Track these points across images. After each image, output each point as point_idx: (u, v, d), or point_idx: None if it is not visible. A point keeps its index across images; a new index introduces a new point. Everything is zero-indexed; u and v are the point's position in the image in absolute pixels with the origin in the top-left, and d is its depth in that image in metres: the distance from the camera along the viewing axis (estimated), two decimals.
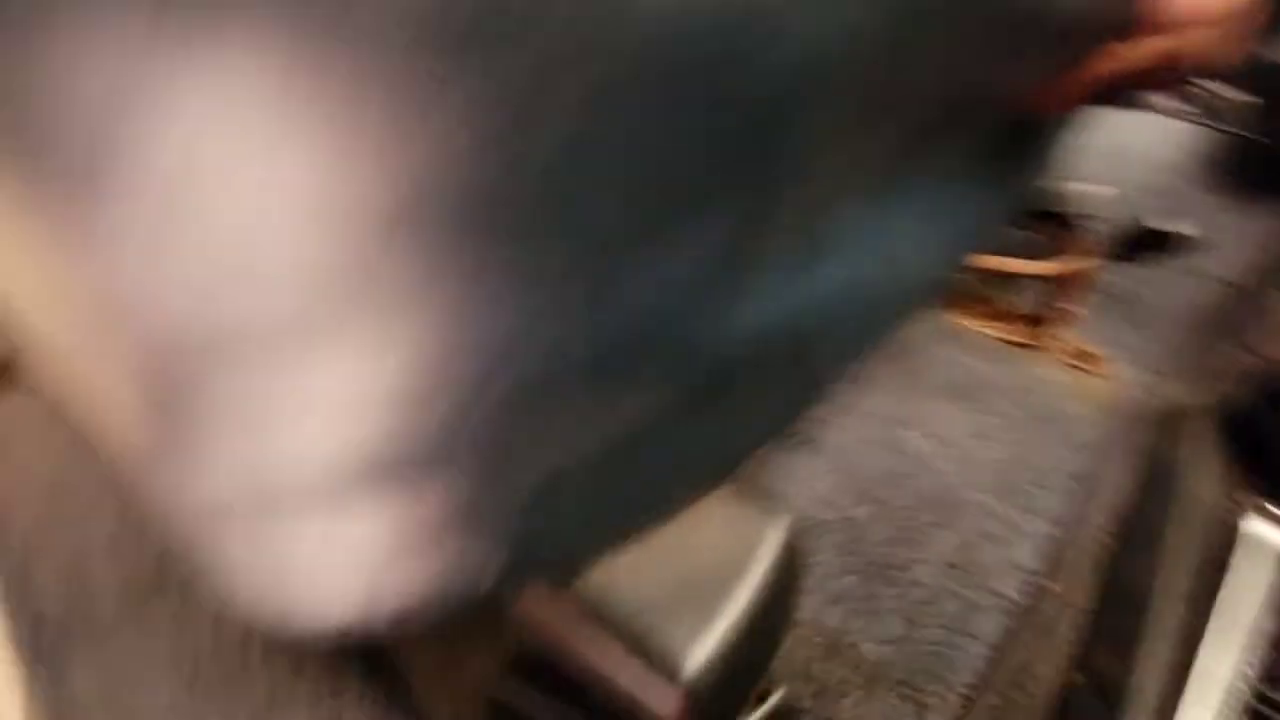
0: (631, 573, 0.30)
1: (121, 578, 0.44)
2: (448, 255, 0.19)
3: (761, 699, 0.32)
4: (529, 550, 0.26)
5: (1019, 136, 0.52)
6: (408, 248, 0.19)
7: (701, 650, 0.27)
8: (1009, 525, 0.54)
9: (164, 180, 0.17)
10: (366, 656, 0.43)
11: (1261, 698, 0.41)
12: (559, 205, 0.20)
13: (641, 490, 0.28)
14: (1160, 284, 0.76)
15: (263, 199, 0.17)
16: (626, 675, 0.28)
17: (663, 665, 0.27)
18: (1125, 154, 0.83)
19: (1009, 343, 0.75)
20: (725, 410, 0.30)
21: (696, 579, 0.29)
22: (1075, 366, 0.71)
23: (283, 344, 0.21)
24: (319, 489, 0.23)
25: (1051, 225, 0.71)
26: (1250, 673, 0.41)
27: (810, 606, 0.50)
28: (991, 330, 0.78)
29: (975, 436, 0.62)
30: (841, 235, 0.30)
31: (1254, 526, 0.49)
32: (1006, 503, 0.56)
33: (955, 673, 0.45)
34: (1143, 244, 0.64)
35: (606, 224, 0.21)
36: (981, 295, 0.83)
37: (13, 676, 0.38)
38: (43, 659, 0.39)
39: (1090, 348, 0.72)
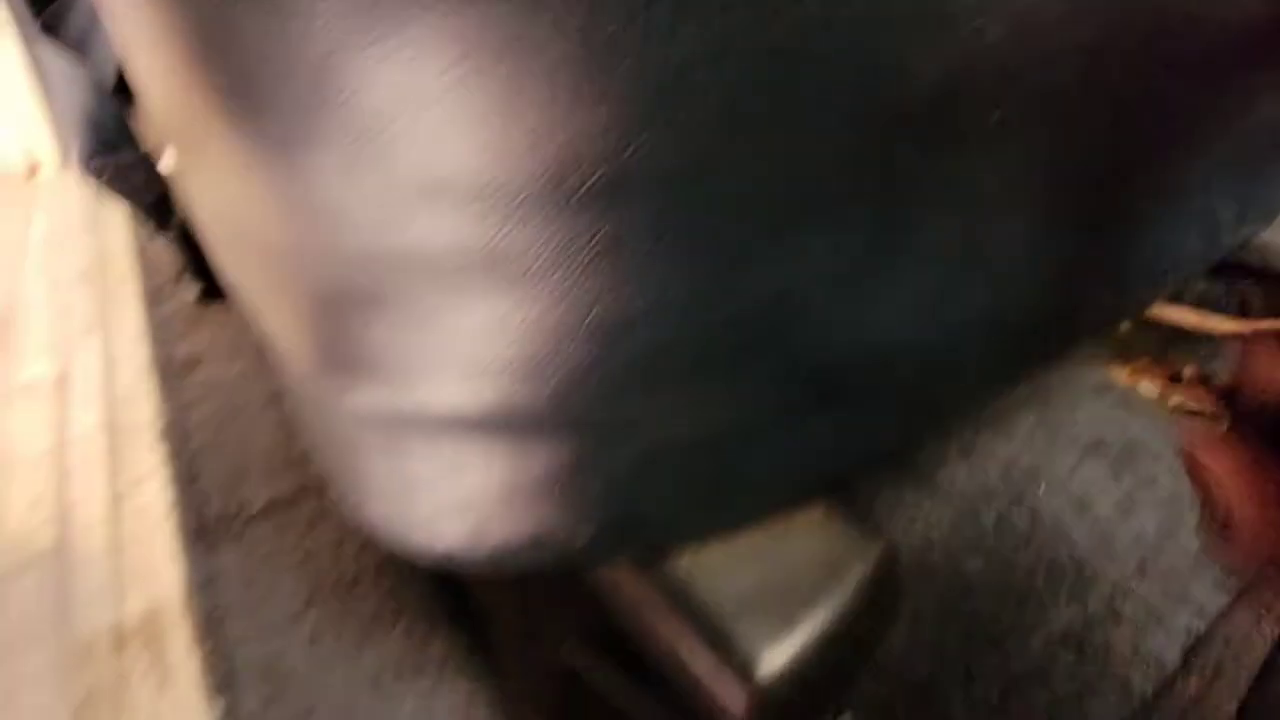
0: (719, 567, 0.30)
1: (268, 489, 0.50)
2: (592, 225, 0.20)
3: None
4: (621, 522, 0.27)
5: (1251, 159, 0.46)
6: (556, 212, 0.20)
7: (778, 655, 0.27)
8: (1146, 609, 0.48)
9: (365, 121, 0.19)
10: (457, 598, 0.46)
11: None
12: (707, 184, 0.21)
13: (735, 484, 0.28)
14: None
15: (440, 142, 0.19)
16: (700, 665, 0.28)
17: (737, 662, 0.27)
18: None
19: (1178, 409, 0.66)
20: (831, 418, 0.29)
21: (783, 585, 0.29)
22: None
23: (439, 277, 0.23)
24: (443, 431, 0.26)
25: (1250, 282, 0.62)
26: None
27: (900, 652, 0.47)
28: (1158, 391, 0.69)
29: (1119, 504, 0.56)
30: (987, 253, 0.28)
31: None
32: (1147, 584, 0.50)
33: None
34: None
35: (751, 209, 0.21)
36: (1155, 353, 0.74)
37: (176, 551, 0.45)
38: (201, 540, 0.45)
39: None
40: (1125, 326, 0.79)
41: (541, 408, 0.23)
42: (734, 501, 0.29)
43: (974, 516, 0.55)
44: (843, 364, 0.27)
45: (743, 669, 0.27)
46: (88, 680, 0.37)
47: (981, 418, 0.65)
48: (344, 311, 0.24)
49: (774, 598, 0.29)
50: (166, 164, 0.70)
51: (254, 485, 0.50)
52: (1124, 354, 0.75)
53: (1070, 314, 0.38)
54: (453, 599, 0.45)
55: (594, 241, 0.20)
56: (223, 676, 0.38)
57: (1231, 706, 0.42)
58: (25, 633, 0.47)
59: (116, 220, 0.90)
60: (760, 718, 0.27)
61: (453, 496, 0.27)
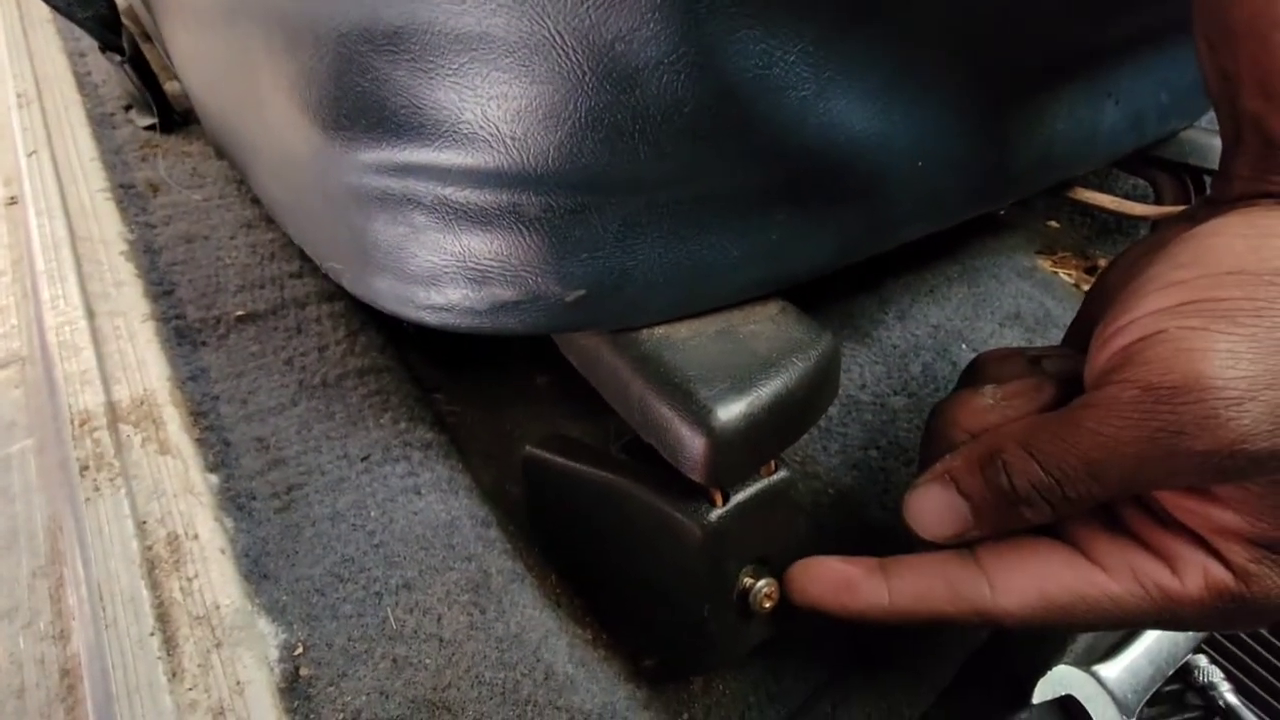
0: (685, 341, 0.34)
1: (247, 301, 0.51)
2: None
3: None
4: (608, 284, 0.31)
5: (1176, 60, 0.50)
6: None
7: (733, 409, 0.31)
8: None
9: None
10: (433, 404, 0.49)
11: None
12: None
13: (710, 256, 0.32)
14: None
15: None
16: (666, 416, 0.32)
17: (699, 413, 0.31)
18: None
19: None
20: (796, 210, 0.33)
21: (741, 358, 0.33)
22: None
23: (453, 44, 0.25)
24: (451, 184, 0.28)
25: (1164, 175, 0.69)
26: None
27: (829, 466, 0.54)
28: (1072, 278, 0.77)
29: None
30: (922, 75, 0.32)
31: None
32: None
33: None
34: None
35: None
36: (1071, 243, 0.82)
37: (159, 351, 0.46)
38: (184, 341, 0.47)
39: None
40: (1053, 224, 0.86)
41: (550, 157, 0.26)
42: (705, 278, 0.33)
43: (903, 366, 0.62)
44: (807, 153, 0.30)
45: (703, 419, 0.31)
46: (87, 448, 0.39)
47: (919, 290, 0.71)
48: (367, 51, 0.26)
49: (732, 366, 0.33)
50: None
51: (231, 298, 0.51)
52: (1050, 246, 0.82)
53: (998, 162, 0.43)
54: (433, 405, 0.49)
55: None
56: (218, 451, 0.40)
57: None
58: (13, 419, 0.48)
59: (50, 48, 0.84)
60: (715, 458, 0.32)
61: (455, 251, 0.30)
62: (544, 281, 0.30)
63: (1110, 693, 0.38)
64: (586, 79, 0.25)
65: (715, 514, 0.34)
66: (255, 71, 0.36)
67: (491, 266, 0.30)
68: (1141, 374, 0.22)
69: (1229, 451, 0.20)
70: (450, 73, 0.25)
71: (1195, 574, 0.24)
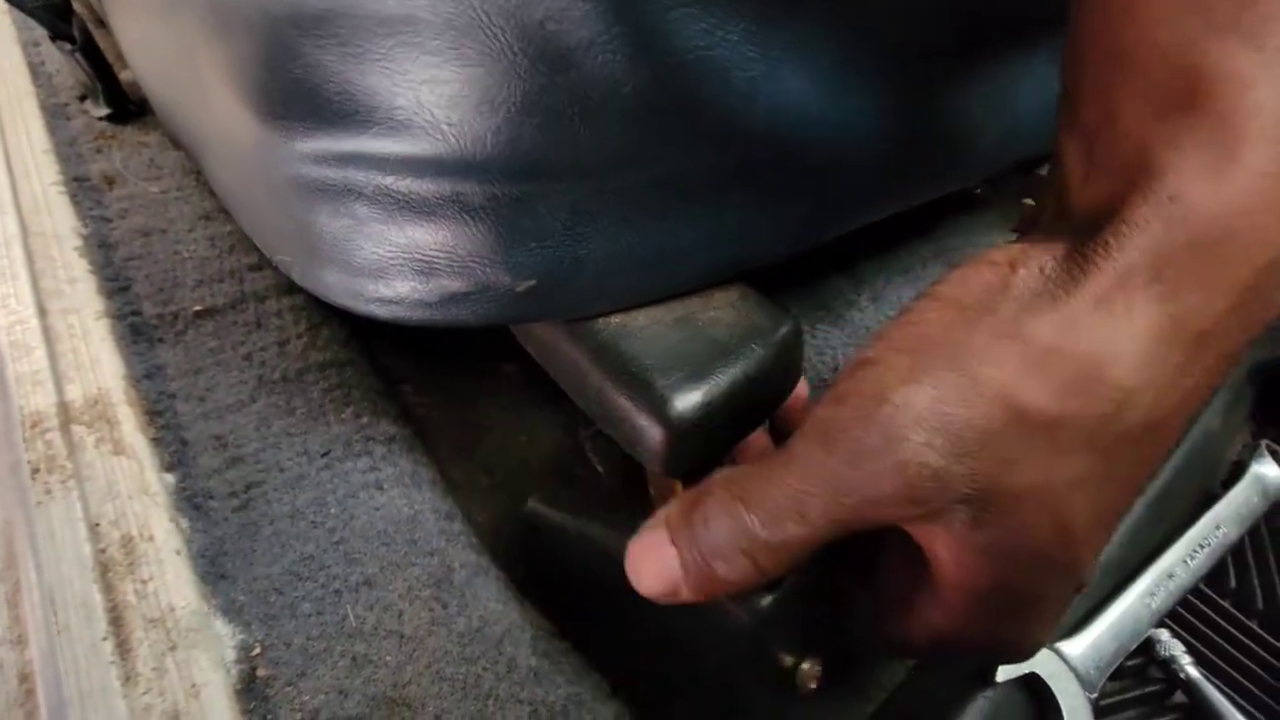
0: (643, 329, 0.33)
1: (205, 296, 0.50)
2: None
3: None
4: (558, 274, 0.30)
5: None
6: None
7: (691, 399, 0.31)
8: None
9: None
10: (397, 397, 0.49)
11: (1199, 593, 0.44)
12: None
13: (663, 246, 0.31)
14: None
15: None
16: (624, 408, 0.32)
17: (656, 404, 0.31)
18: None
19: None
20: (751, 192, 0.32)
21: (700, 345, 0.33)
22: None
23: (380, 27, 0.24)
24: (391, 174, 0.27)
25: None
26: (1195, 567, 0.43)
27: None
28: None
29: None
30: (869, 55, 0.31)
31: (1264, 467, 0.50)
32: None
33: None
34: None
35: None
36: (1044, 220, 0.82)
37: (114, 349, 0.45)
38: (139, 338, 0.46)
39: None
40: (1027, 202, 0.86)
41: (489, 143, 0.25)
42: (659, 264, 0.32)
43: None
44: (759, 134, 0.30)
45: (660, 409, 0.31)
46: (39, 450, 0.38)
47: (893, 270, 0.71)
48: (296, 36, 0.25)
49: (690, 355, 0.33)
50: None
51: (189, 293, 0.50)
52: (1023, 225, 0.82)
53: (962, 138, 0.42)
54: (398, 398, 0.48)
55: None
56: (174, 451, 0.40)
57: None
58: None
59: (3, 37, 0.81)
60: (673, 448, 0.31)
61: (400, 243, 0.29)
62: (493, 272, 0.29)
63: (1073, 669, 0.38)
64: (518, 61, 0.24)
65: (766, 600, 0.32)
66: (196, 60, 0.34)
67: (438, 258, 0.29)
68: (843, 389, 0.22)
69: (915, 468, 0.20)
70: (379, 57, 0.24)
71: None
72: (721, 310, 0.35)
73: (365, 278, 0.31)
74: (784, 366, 0.35)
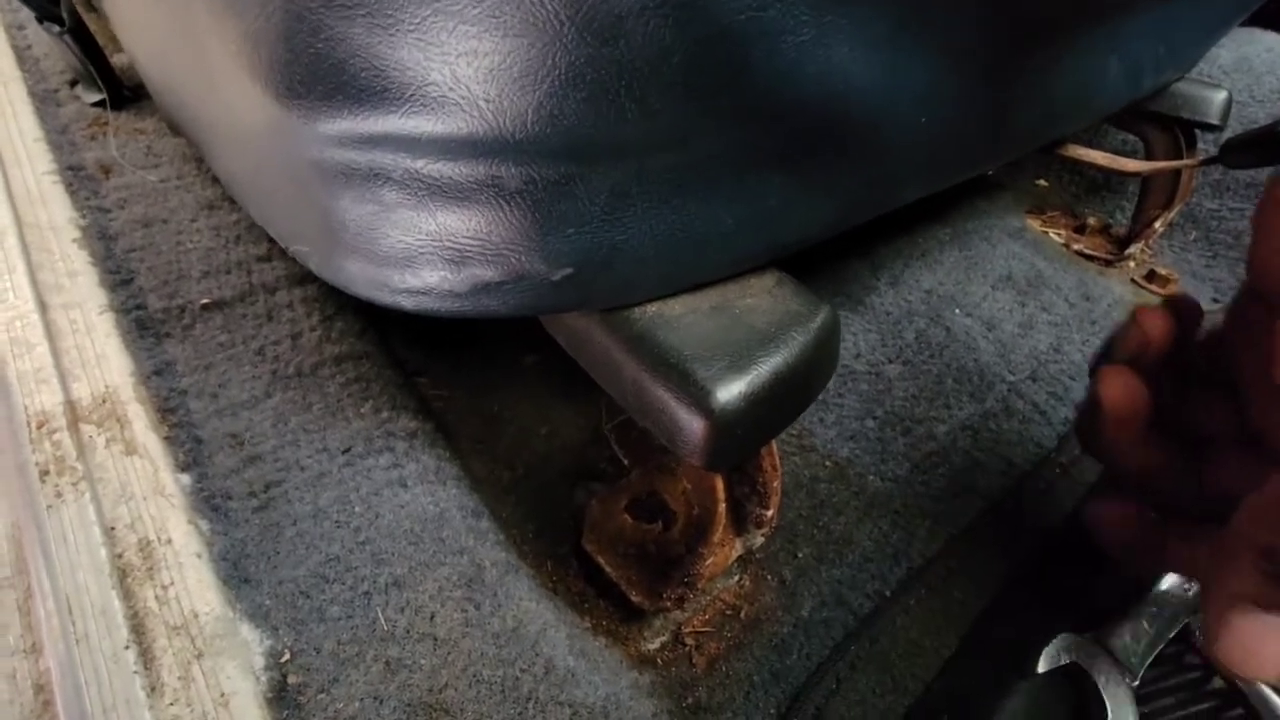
0: (680, 318, 0.32)
1: (213, 288, 0.48)
2: None
3: None
4: (595, 261, 0.29)
5: (1169, 14, 0.48)
6: None
7: (732, 389, 0.30)
8: (1034, 406, 0.56)
9: None
10: (416, 390, 0.47)
11: None
12: None
13: (703, 227, 0.30)
14: (1249, 212, 0.72)
15: None
16: (663, 399, 0.31)
17: (697, 395, 0.30)
18: (1250, 67, 0.77)
19: (1078, 253, 0.73)
20: (800, 172, 0.31)
21: (739, 334, 0.32)
22: (1143, 286, 0.70)
23: (404, 5, 0.22)
24: (422, 156, 0.26)
25: (1155, 129, 0.67)
26: None
27: (825, 438, 0.53)
28: (1062, 237, 0.76)
29: (1021, 326, 0.62)
30: (924, 30, 0.30)
31: None
32: (1036, 387, 0.57)
33: (947, 516, 0.48)
34: (1254, 149, 0.60)
35: None
36: (1060, 201, 0.81)
37: (120, 345, 0.43)
38: (146, 333, 0.44)
39: (1161, 269, 0.70)
40: (1042, 183, 0.85)
41: (529, 121, 0.24)
42: (698, 250, 0.31)
43: (896, 332, 0.60)
44: (805, 107, 0.28)
45: (701, 400, 0.30)
46: (47, 451, 0.37)
47: (910, 254, 0.69)
48: (317, 9, 0.23)
49: (730, 344, 0.31)
50: None
51: (195, 285, 0.48)
52: (1039, 205, 0.81)
53: (1000, 119, 0.41)
54: (416, 391, 0.47)
55: None
56: (189, 450, 0.38)
57: (1092, 475, 0.50)
58: None
59: None
60: (715, 441, 0.30)
61: (430, 230, 0.27)
62: (528, 260, 0.28)
63: (1115, 657, 0.38)
64: (565, 30, 0.22)
65: None
66: (201, 38, 0.33)
67: (470, 245, 0.28)
68: None
69: None
70: (412, 28, 0.23)
71: None
72: (758, 297, 0.34)
73: (391, 267, 0.29)
74: (823, 354, 0.34)
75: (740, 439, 0.31)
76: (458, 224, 0.27)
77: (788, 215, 0.32)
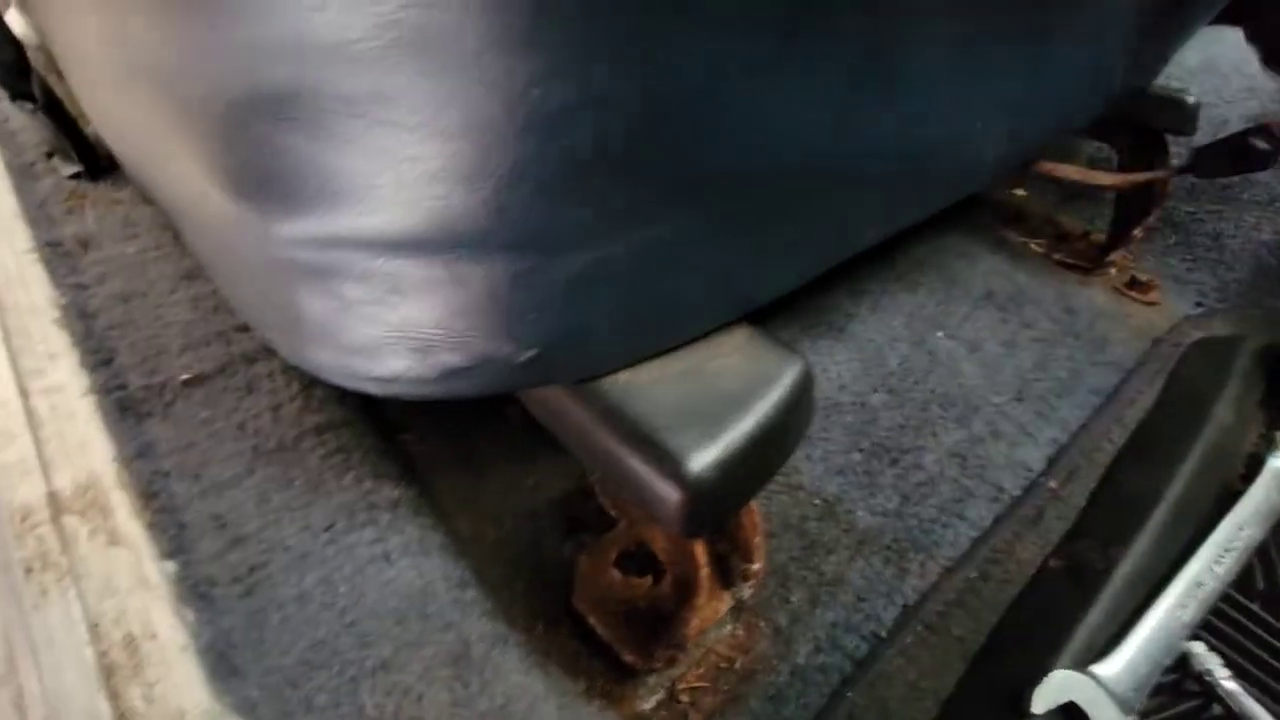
0: (650, 385, 0.32)
1: (192, 363, 0.48)
2: (500, 17, 0.20)
3: None
4: (562, 342, 0.29)
5: (1134, 22, 0.48)
6: (461, 6, 0.20)
7: (706, 457, 0.30)
8: (1020, 427, 0.56)
9: None
10: (403, 453, 0.47)
11: (1229, 599, 0.43)
12: None
13: (667, 302, 0.30)
14: (1226, 214, 0.73)
15: None
16: (637, 471, 0.31)
17: (670, 465, 0.30)
18: (1216, 68, 0.77)
19: (1059, 263, 0.73)
20: (751, 239, 0.31)
21: (711, 397, 0.32)
22: (1125, 294, 0.70)
23: (349, 107, 0.22)
24: (378, 255, 0.26)
25: (1127, 137, 0.67)
26: (1223, 573, 0.43)
27: (812, 475, 0.53)
28: (1042, 248, 0.76)
29: (1004, 345, 0.63)
30: (891, 72, 0.30)
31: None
32: (1022, 407, 0.57)
33: (940, 547, 0.48)
34: (1225, 157, 0.60)
35: (650, 3, 0.21)
36: (1038, 211, 0.81)
37: (101, 428, 0.43)
38: (127, 413, 0.44)
39: (1142, 275, 0.70)
40: (1020, 193, 0.85)
41: (479, 218, 0.24)
42: (666, 320, 0.31)
43: (879, 359, 0.60)
44: (759, 175, 0.28)
45: (674, 471, 0.30)
46: (30, 547, 0.37)
47: (889, 276, 0.69)
48: (258, 119, 0.23)
49: (702, 409, 0.31)
50: (17, 22, 0.61)
51: (175, 360, 0.49)
52: (1017, 216, 0.81)
53: (972, 145, 0.41)
54: (400, 453, 0.47)
55: (517, 21, 0.20)
56: (172, 536, 0.38)
57: (1082, 499, 0.50)
58: None
59: None
60: (691, 509, 0.30)
61: (393, 322, 0.28)
62: (493, 345, 0.28)
63: (1111, 692, 0.38)
64: (504, 130, 0.22)
65: None
66: (158, 134, 0.33)
67: (434, 335, 0.28)
68: None
69: None
70: (352, 138, 0.23)
71: None
72: (729, 357, 0.34)
73: (357, 357, 0.29)
74: (797, 411, 0.34)
75: (717, 505, 0.31)
76: (420, 315, 0.27)
77: (753, 276, 0.32)
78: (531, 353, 0.29)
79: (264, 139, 0.24)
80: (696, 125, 0.25)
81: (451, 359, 0.28)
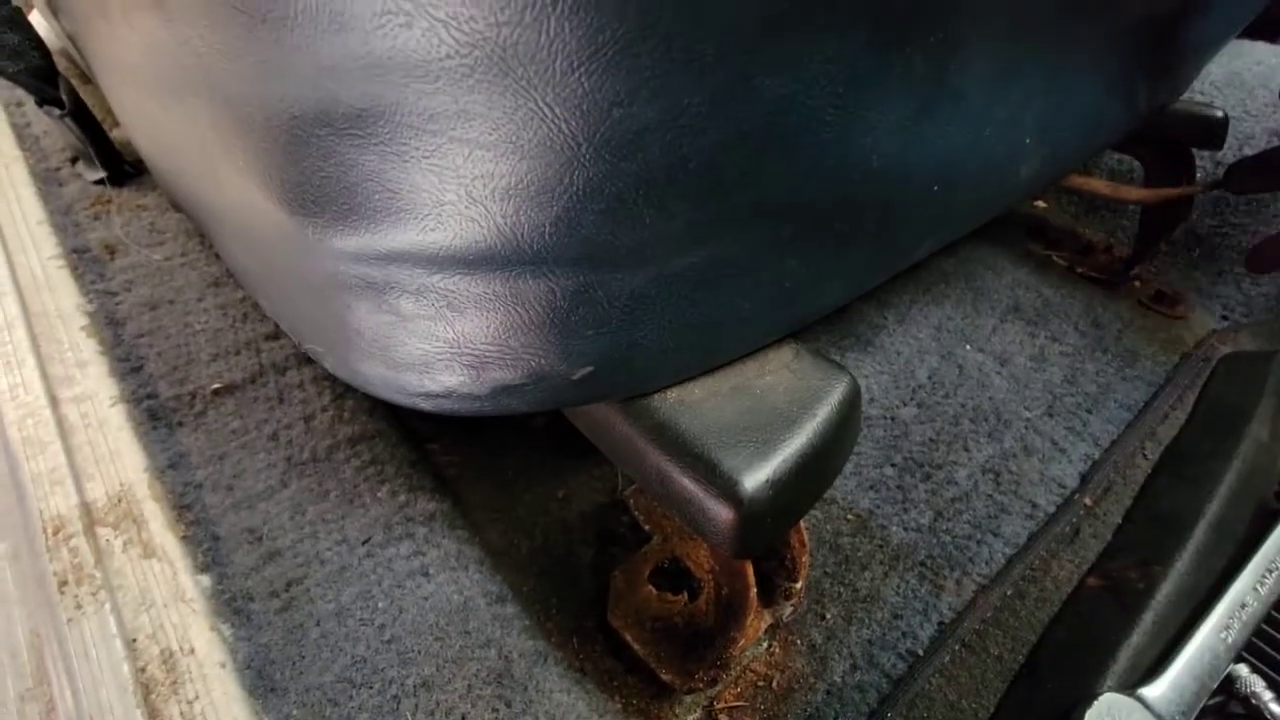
0: (701, 402, 0.32)
1: (223, 372, 0.48)
2: (605, 24, 0.20)
3: None
4: (616, 358, 0.28)
5: (1161, 39, 0.48)
6: (556, 26, 0.20)
7: (759, 476, 0.30)
8: (1051, 442, 0.55)
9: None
10: (431, 463, 0.47)
11: (1272, 621, 0.43)
12: None
13: (721, 320, 0.30)
14: (1250, 228, 0.72)
15: None
16: (690, 490, 0.30)
17: (723, 485, 0.29)
18: (1242, 82, 0.77)
19: (1082, 276, 0.73)
20: (822, 254, 0.31)
21: (761, 416, 0.31)
22: (1150, 308, 0.69)
23: (427, 124, 0.22)
24: (438, 271, 0.26)
25: (1153, 152, 0.67)
26: (1265, 594, 0.42)
27: (846, 489, 0.52)
28: (1065, 260, 0.76)
29: (1033, 358, 0.62)
30: (954, 89, 0.30)
31: None
32: (1053, 422, 0.57)
33: (974, 564, 0.48)
34: (1260, 173, 0.60)
35: (754, 14, 0.21)
36: (1060, 223, 0.81)
37: (132, 438, 0.43)
38: (158, 423, 0.44)
39: (1169, 289, 0.70)
40: (1041, 205, 0.85)
41: (546, 235, 0.24)
42: (719, 338, 0.31)
43: (909, 372, 0.60)
44: (822, 197, 0.28)
45: (728, 490, 0.29)
46: (64, 559, 0.36)
47: (916, 289, 0.69)
48: (326, 134, 0.23)
49: (753, 427, 0.31)
50: (41, 24, 0.61)
51: (205, 369, 0.48)
52: (1040, 229, 0.81)
53: (1015, 162, 0.41)
54: (431, 465, 0.46)
55: (609, 42, 0.19)
56: (207, 549, 0.38)
57: (1117, 516, 0.50)
58: None
59: None
60: (745, 529, 0.30)
61: (448, 338, 0.27)
62: (548, 362, 0.28)
63: (1159, 716, 0.37)
64: (582, 150, 0.22)
65: None
66: (209, 146, 0.32)
67: (489, 351, 0.27)
68: None
69: None
70: (426, 155, 0.23)
71: None
72: (777, 374, 0.34)
73: (410, 372, 0.29)
74: (846, 428, 0.34)
75: (769, 525, 0.31)
76: (476, 332, 0.27)
77: (804, 295, 0.32)
78: (586, 370, 0.28)
79: (329, 153, 0.24)
80: (775, 147, 0.25)
81: (505, 375, 0.28)
